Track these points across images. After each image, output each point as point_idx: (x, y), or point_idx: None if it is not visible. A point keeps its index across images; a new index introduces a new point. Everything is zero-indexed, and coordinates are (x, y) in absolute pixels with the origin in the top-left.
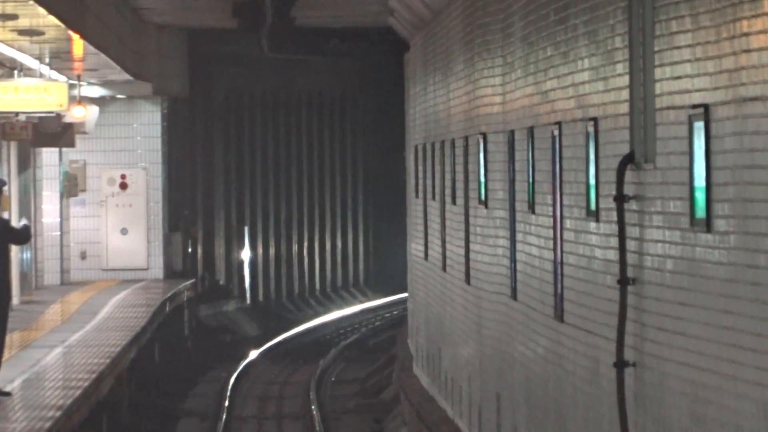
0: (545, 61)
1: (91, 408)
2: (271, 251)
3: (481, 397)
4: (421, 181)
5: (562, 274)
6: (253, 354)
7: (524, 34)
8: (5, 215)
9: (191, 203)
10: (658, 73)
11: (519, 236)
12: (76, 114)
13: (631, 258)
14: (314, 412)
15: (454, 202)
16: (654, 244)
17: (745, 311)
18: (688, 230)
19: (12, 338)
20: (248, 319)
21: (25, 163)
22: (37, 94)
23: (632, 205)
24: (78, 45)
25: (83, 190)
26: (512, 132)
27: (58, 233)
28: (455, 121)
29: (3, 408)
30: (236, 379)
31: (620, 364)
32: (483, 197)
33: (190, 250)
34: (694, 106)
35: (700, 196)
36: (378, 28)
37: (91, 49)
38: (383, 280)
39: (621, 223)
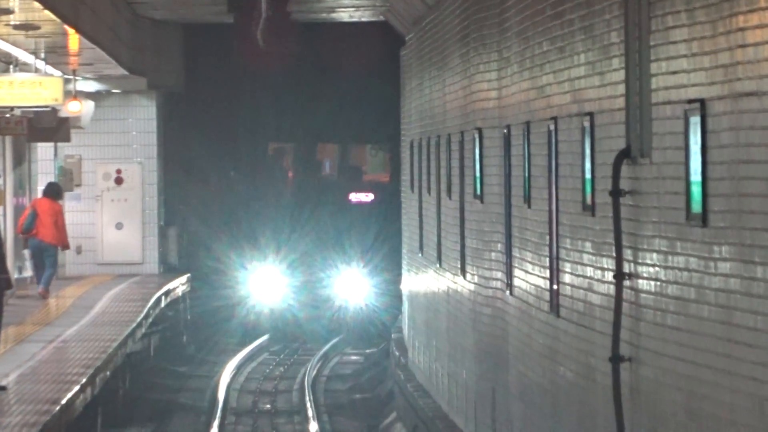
0: (541, 56)
1: (86, 402)
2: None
3: (477, 392)
4: (416, 176)
5: (557, 269)
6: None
7: (520, 28)
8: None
9: (186, 198)
10: (654, 68)
11: (514, 231)
12: (72, 109)
13: (626, 252)
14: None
15: (449, 196)
16: (650, 239)
17: (740, 306)
18: (684, 225)
19: (7, 332)
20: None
21: (20, 158)
22: (33, 88)
23: (628, 200)
24: (73, 39)
25: (78, 185)
26: (508, 127)
27: None
28: (451, 116)
29: None
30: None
31: (615, 359)
32: (479, 192)
33: (185, 244)
34: (690, 101)
35: (696, 191)
36: (373, 23)
37: (87, 43)
38: None
39: (616, 217)
